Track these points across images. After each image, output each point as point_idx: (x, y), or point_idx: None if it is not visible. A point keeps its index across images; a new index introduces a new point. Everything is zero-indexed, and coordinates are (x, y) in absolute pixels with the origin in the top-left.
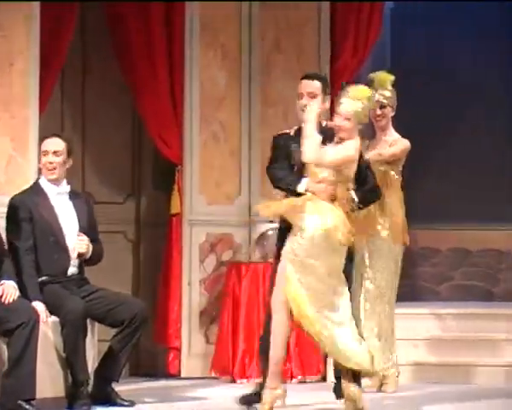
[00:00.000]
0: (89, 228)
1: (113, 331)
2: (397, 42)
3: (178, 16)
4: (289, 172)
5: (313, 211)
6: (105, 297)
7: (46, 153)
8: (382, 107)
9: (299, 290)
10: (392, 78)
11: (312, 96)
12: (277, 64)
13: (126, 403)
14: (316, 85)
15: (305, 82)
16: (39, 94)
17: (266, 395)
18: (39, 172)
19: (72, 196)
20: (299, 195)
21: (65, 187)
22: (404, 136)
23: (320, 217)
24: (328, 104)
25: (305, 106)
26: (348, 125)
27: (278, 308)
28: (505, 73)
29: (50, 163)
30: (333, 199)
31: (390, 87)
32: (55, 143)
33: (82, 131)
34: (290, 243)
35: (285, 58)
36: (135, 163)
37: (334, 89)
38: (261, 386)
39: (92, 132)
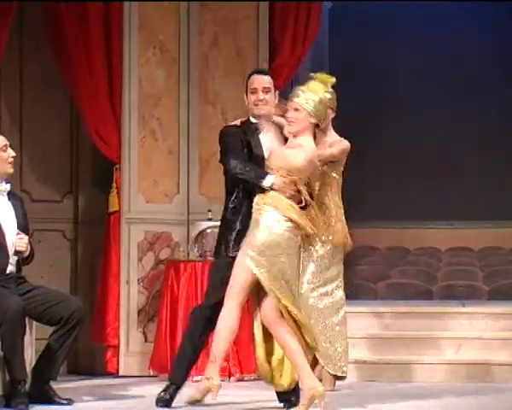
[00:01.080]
0: (25, 227)
1: (51, 330)
2: (335, 41)
3: (116, 14)
4: (253, 165)
5: (274, 207)
6: (42, 295)
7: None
8: None
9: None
10: (332, 79)
11: (267, 90)
12: (216, 62)
13: (64, 402)
14: (269, 80)
15: (260, 77)
16: None
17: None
18: None
19: (9, 194)
20: (262, 190)
21: (5, 185)
22: (342, 135)
23: (281, 213)
24: (276, 99)
25: (261, 100)
26: (298, 116)
27: (229, 301)
28: (442, 74)
29: (13, 157)
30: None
31: (330, 89)
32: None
33: (20, 130)
34: (250, 238)
35: (223, 56)
36: (73, 161)
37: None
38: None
39: (30, 131)
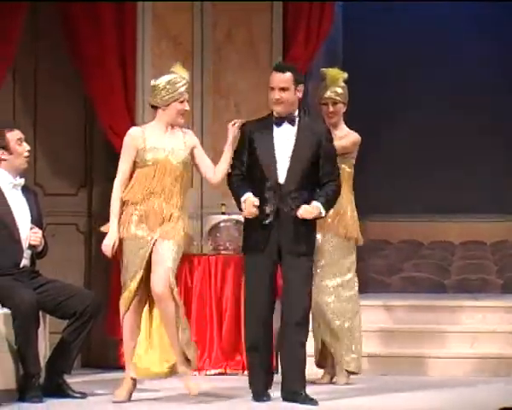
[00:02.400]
0: (39, 221)
1: (65, 323)
2: (349, 37)
3: (130, 8)
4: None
5: None
6: (56, 289)
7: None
8: (334, 103)
9: None
10: (344, 75)
11: (284, 89)
12: (229, 55)
13: (78, 395)
14: (287, 78)
15: (278, 75)
16: None
17: None
18: None
19: (24, 189)
20: None
21: (19, 179)
22: (354, 129)
23: None
24: (300, 94)
25: (277, 100)
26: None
27: None
28: (456, 71)
29: (29, 151)
30: None
31: (342, 84)
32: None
33: (34, 125)
34: None
35: (237, 49)
36: (87, 155)
37: None
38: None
39: (44, 125)
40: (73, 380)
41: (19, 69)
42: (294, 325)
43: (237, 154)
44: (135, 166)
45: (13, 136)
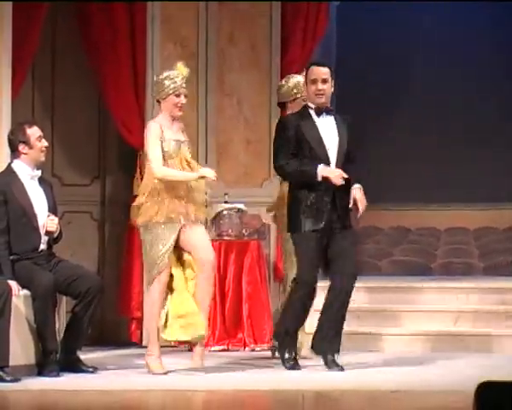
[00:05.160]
0: (54, 209)
1: None
2: (342, 36)
3: (141, 11)
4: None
5: None
6: (66, 270)
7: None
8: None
9: None
10: None
11: (325, 80)
12: (232, 56)
13: (90, 370)
14: (327, 70)
15: (318, 68)
16: (11, 83)
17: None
18: (15, 155)
19: (40, 179)
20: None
21: (37, 171)
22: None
23: None
24: (333, 89)
25: (320, 90)
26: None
27: None
28: (451, 69)
29: (46, 147)
30: None
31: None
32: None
33: (51, 120)
34: None
35: (239, 50)
36: (100, 148)
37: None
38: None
39: (61, 120)
40: (88, 356)
41: (37, 69)
42: (351, 275)
43: (285, 143)
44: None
45: (33, 132)
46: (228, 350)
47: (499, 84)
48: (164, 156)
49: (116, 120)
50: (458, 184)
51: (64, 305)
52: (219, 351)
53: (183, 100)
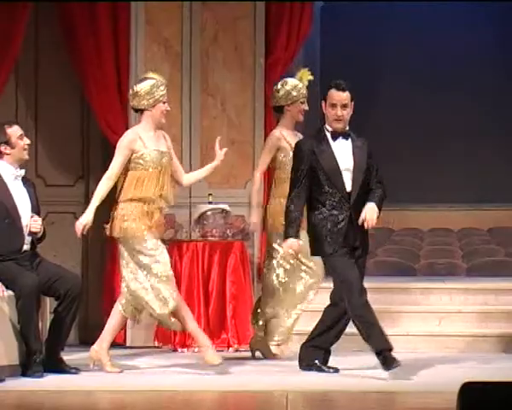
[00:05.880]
0: (38, 210)
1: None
2: (326, 38)
3: (124, 12)
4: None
5: None
6: (47, 271)
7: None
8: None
9: None
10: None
11: (345, 106)
12: (216, 57)
13: (72, 371)
14: (347, 96)
15: (339, 93)
16: None
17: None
18: None
19: (23, 180)
20: None
21: (20, 171)
22: None
23: None
24: (351, 111)
25: (339, 117)
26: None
27: None
28: (430, 71)
29: (28, 145)
30: None
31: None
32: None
33: (35, 120)
34: None
35: (223, 51)
36: (84, 149)
37: (269, 80)
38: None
39: (45, 120)
40: (72, 357)
41: (21, 69)
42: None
43: (298, 174)
44: (132, 166)
45: (14, 131)
46: None
47: (485, 85)
48: (143, 165)
49: (100, 120)
50: (442, 185)
51: (48, 306)
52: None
53: (168, 107)
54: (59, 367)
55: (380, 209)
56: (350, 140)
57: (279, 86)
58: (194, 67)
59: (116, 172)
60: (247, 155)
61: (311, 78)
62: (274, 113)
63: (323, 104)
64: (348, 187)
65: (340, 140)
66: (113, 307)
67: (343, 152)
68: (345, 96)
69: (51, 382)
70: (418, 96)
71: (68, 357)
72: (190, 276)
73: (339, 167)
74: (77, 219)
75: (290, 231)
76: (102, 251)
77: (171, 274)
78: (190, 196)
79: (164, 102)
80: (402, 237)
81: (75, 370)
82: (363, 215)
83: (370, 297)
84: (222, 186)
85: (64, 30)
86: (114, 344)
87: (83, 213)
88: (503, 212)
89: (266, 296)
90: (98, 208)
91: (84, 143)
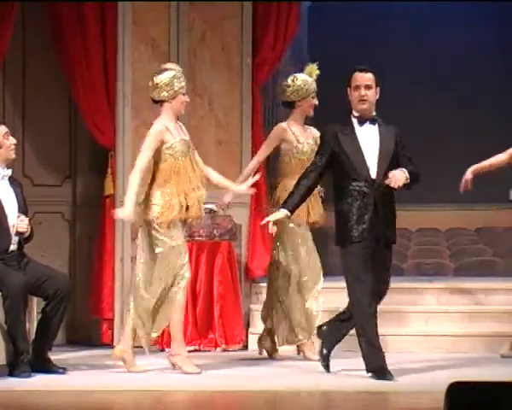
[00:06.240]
0: (25, 209)
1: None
2: (314, 38)
3: (111, 12)
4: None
5: None
6: (35, 272)
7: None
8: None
9: None
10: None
11: (369, 87)
12: (203, 57)
13: (60, 370)
14: (371, 77)
15: (362, 74)
16: None
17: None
18: None
19: (10, 179)
20: None
21: (7, 170)
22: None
23: None
24: (377, 96)
25: (363, 96)
26: None
27: None
28: (419, 70)
29: (15, 144)
30: None
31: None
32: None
33: (22, 119)
34: None
35: (210, 51)
36: (72, 148)
37: (256, 80)
38: None
39: (32, 120)
40: (60, 356)
41: (8, 69)
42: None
43: (317, 158)
44: (162, 159)
45: (0, 131)
46: (200, 350)
47: (485, 85)
48: (172, 155)
49: (87, 120)
50: (429, 185)
51: (35, 306)
52: (191, 351)
53: (187, 98)
54: (46, 367)
55: (410, 181)
56: (377, 126)
57: (289, 82)
58: (182, 66)
59: (147, 164)
60: (234, 156)
61: (318, 72)
62: (284, 108)
63: (348, 90)
64: (373, 174)
65: (367, 125)
66: (100, 306)
67: (369, 138)
68: (367, 76)
69: (39, 382)
70: (407, 94)
71: (56, 357)
72: None
73: (363, 153)
74: (64, 219)
75: (285, 202)
76: (90, 250)
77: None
78: None
79: (184, 94)
80: None
81: (63, 370)
82: (390, 175)
83: None
84: (209, 186)
85: (52, 30)
86: (102, 344)
87: (70, 212)
88: (490, 212)
89: None
90: (87, 209)
91: (72, 143)
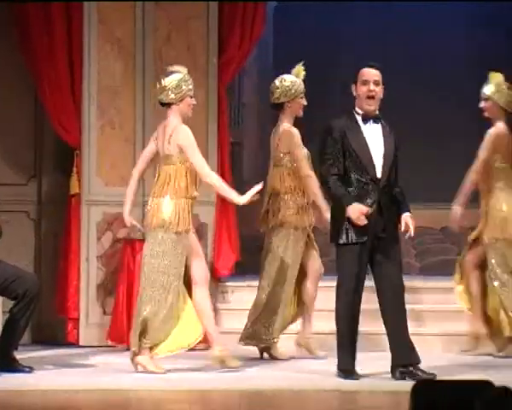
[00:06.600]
0: None
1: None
2: (279, 37)
3: (77, 12)
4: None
5: None
6: (3, 270)
7: None
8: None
9: None
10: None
11: (377, 83)
12: (169, 56)
13: (26, 369)
14: (379, 73)
15: (370, 70)
16: None
17: None
18: None
19: None
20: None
21: None
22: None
23: None
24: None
25: (371, 91)
26: None
27: None
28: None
29: None
30: None
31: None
32: None
33: None
34: None
35: (176, 51)
36: (37, 147)
37: (222, 80)
38: None
39: None
40: (25, 356)
41: None
42: (400, 298)
43: (332, 154)
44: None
45: None
46: None
47: (437, 87)
48: (178, 159)
49: (53, 120)
50: (443, 185)
51: (0, 305)
52: None
53: (194, 101)
54: (12, 366)
55: None
56: (380, 125)
57: (277, 83)
58: (148, 66)
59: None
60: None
61: (304, 73)
62: (273, 110)
63: (354, 87)
64: (378, 173)
65: (371, 124)
66: (66, 305)
67: (373, 136)
68: (376, 72)
69: (5, 381)
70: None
71: (21, 356)
72: None
73: (370, 151)
74: (30, 218)
75: (347, 198)
76: (55, 249)
77: None
78: (143, 195)
79: (191, 97)
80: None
81: (29, 369)
82: (404, 225)
83: (326, 296)
84: None
85: (18, 30)
86: (67, 343)
87: (36, 211)
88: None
89: None
90: (52, 208)
91: (37, 143)
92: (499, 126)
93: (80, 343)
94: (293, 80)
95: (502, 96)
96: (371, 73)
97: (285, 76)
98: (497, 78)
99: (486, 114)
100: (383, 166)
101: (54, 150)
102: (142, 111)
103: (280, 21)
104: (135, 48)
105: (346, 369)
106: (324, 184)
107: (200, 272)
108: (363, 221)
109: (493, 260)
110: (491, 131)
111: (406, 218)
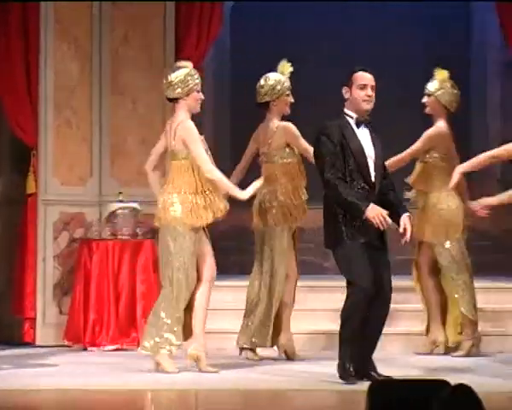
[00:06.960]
0: None
1: None
2: (236, 37)
3: (34, 11)
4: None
5: None
6: None
7: None
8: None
9: None
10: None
11: (373, 88)
12: (126, 56)
13: None
14: (373, 78)
15: (368, 75)
16: None
17: None
18: None
19: None
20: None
21: None
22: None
23: None
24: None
25: (369, 96)
26: None
27: None
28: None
29: None
30: None
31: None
32: None
33: None
34: None
35: (133, 51)
36: None
37: None
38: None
39: None
40: None
41: None
42: (388, 300)
43: (333, 157)
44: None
45: None
46: (122, 350)
47: (389, 81)
48: (185, 153)
49: (10, 119)
50: None
51: None
52: (113, 350)
53: (202, 95)
54: None
55: None
56: (369, 130)
57: (262, 82)
58: (105, 66)
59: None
60: None
61: (291, 69)
62: (259, 109)
63: (345, 90)
64: (373, 178)
65: (363, 128)
66: (22, 305)
67: (366, 141)
68: (371, 77)
69: None
70: (334, 94)
71: None
72: (100, 275)
73: (365, 154)
74: None
75: (362, 200)
76: (12, 249)
77: None
78: (101, 195)
79: (198, 91)
80: (312, 236)
81: None
82: (403, 227)
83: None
84: (132, 184)
85: None
86: (24, 343)
87: None
88: (413, 210)
89: None
90: (9, 207)
91: None
92: (440, 126)
93: (37, 343)
94: (277, 78)
95: (445, 94)
96: (368, 78)
97: (270, 74)
98: (442, 75)
99: (428, 111)
100: (376, 171)
101: (10, 150)
102: (98, 110)
103: (237, 21)
104: (92, 47)
105: (343, 372)
106: (333, 189)
107: (207, 269)
108: (387, 222)
109: (445, 263)
110: (432, 129)
111: (405, 218)
